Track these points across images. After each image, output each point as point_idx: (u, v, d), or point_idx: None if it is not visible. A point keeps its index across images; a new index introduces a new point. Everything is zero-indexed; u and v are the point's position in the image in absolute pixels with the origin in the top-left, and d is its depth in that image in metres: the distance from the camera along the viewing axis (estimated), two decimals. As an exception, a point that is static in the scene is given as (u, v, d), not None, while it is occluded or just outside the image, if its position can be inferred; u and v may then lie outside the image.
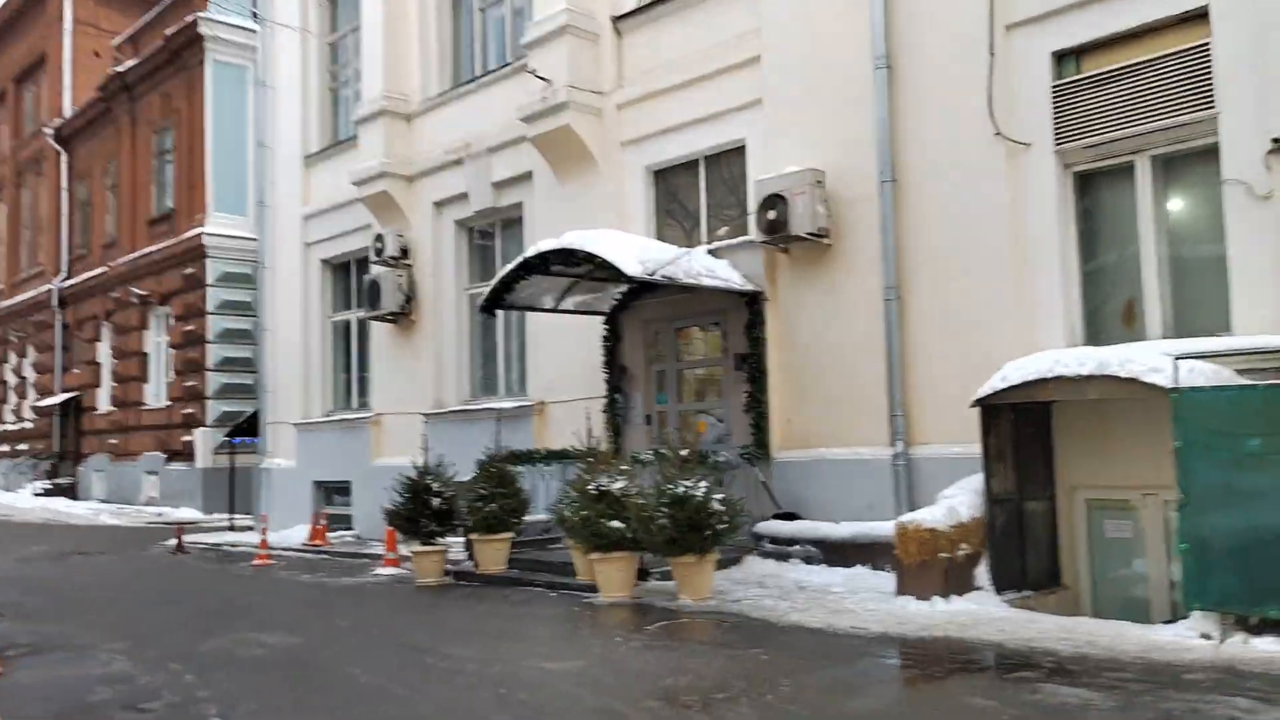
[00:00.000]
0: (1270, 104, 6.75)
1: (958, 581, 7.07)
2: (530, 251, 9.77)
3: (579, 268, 9.73)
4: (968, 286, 8.30)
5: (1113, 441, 7.36)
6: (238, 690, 5.38)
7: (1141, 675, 5.09)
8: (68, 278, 27.36)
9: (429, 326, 13.65)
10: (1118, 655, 5.50)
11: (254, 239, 18.36)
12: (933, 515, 7.18)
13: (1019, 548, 7.37)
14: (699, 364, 11.01)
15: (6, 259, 31.68)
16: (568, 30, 11.24)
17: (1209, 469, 5.85)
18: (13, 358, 30.58)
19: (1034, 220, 8.01)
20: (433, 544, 9.83)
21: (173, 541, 14.26)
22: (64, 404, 26.93)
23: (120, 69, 24.19)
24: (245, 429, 17.63)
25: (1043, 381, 6.74)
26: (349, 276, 15.72)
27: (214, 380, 21.21)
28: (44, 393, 28.31)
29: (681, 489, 7.61)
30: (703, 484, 7.68)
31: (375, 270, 13.97)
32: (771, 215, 9.18)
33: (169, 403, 22.44)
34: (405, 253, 13.84)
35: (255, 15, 17.31)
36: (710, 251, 9.92)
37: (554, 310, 10.93)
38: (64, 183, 27.91)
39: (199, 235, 21.26)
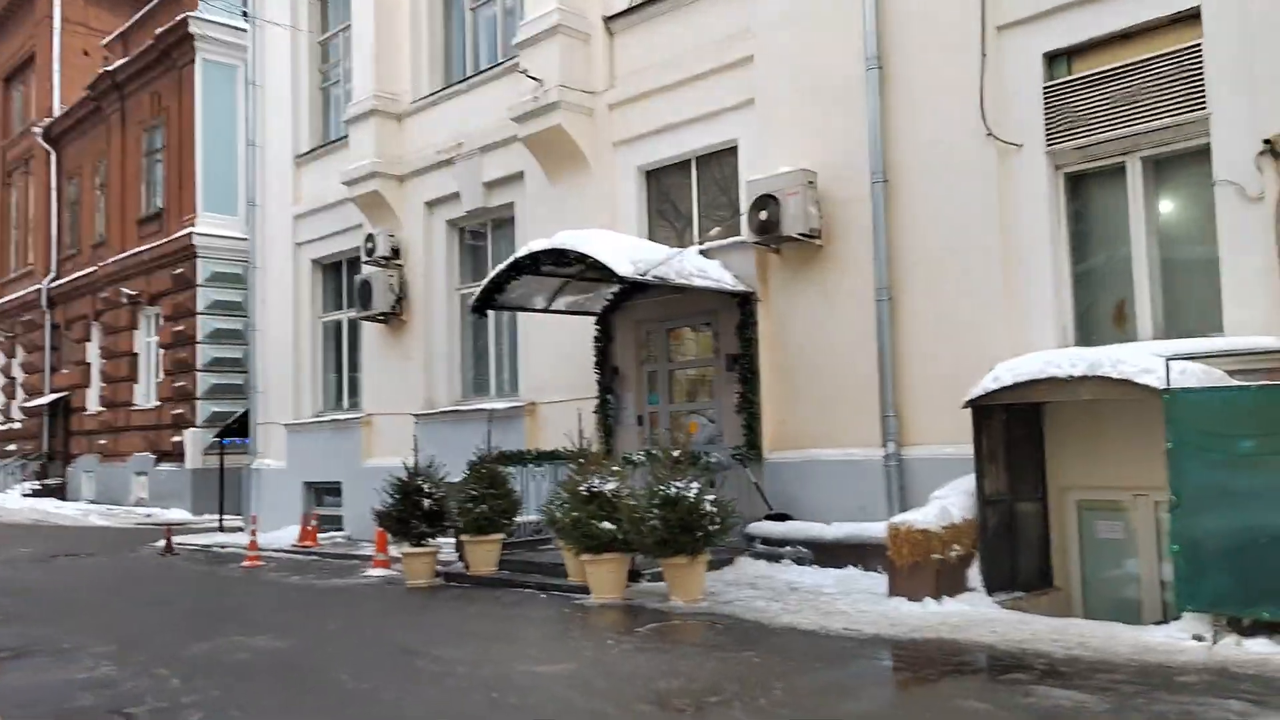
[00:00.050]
0: (1262, 105, 6.76)
1: (950, 583, 7.05)
2: (521, 251, 9.73)
3: (570, 268, 9.69)
4: (959, 287, 8.29)
5: (1104, 442, 7.36)
6: (224, 695, 5.33)
7: (1134, 677, 5.07)
8: (57, 277, 27.20)
9: (420, 327, 13.60)
10: (1110, 657, 5.49)
11: (244, 239, 18.28)
12: (925, 516, 7.17)
13: (1011, 549, 7.36)
14: (691, 364, 10.98)
15: (-5, 258, 31.51)
16: (559, 30, 11.20)
17: (1201, 470, 5.84)
18: (1, 358, 30.38)
19: (1025, 221, 8.01)
20: (423, 545, 9.78)
21: (162, 543, 14.19)
22: (53, 404, 26.78)
23: (110, 68, 24.06)
24: (235, 429, 17.56)
25: (1035, 382, 6.73)
26: (340, 276, 15.66)
27: (204, 380, 21.11)
28: (33, 393, 28.14)
29: (673, 490, 7.58)
30: (694, 485, 7.66)
31: (366, 270, 13.91)
32: (763, 216, 9.16)
33: (159, 403, 22.33)
34: (396, 253, 13.79)
35: (245, 14, 17.22)
36: (702, 252, 9.90)
37: (545, 310, 10.90)
38: (53, 182, 27.74)
39: (189, 235, 21.15)
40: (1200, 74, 7.12)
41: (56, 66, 27.79)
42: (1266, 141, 6.69)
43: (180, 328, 21.49)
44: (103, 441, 24.40)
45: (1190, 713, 4.44)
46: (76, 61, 27.63)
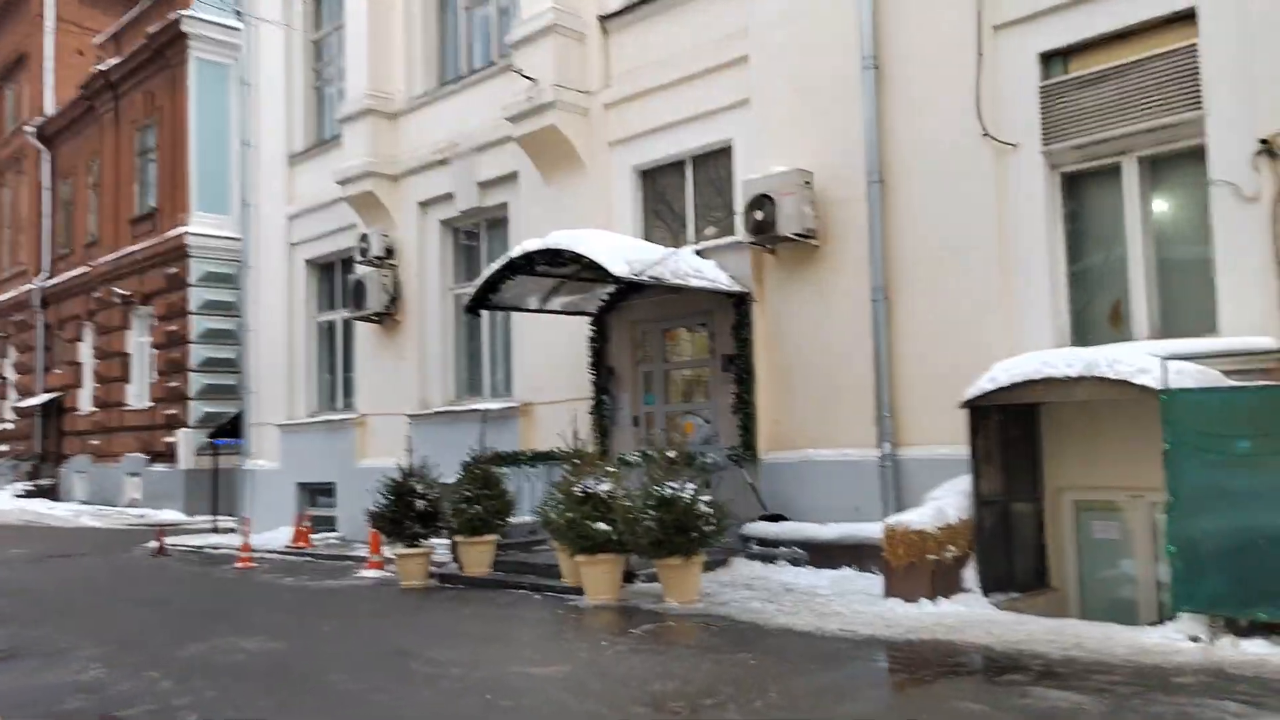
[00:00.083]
0: (1258, 105, 6.75)
1: (945, 583, 7.03)
2: (516, 251, 9.69)
3: (565, 268, 9.66)
4: (955, 287, 8.27)
5: (1100, 443, 7.35)
6: (216, 697, 5.29)
7: (1130, 678, 5.06)
8: (50, 277, 27.10)
9: (414, 327, 13.55)
10: (1106, 658, 5.48)
11: (237, 238, 18.20)
12: (920, 517, 7.15)
13: (1007, 549, 7.35)
14: (686, 365, 10.95)
15: (-13, 258, 31.38)
16: (554, 29, 11.17)
17: (1198, 471, 5.83)
18: (-7, 358, 30.30)
19: (1021, 221, 7.99)
20: (417, 546, 9.74)
21: (154, 544, 14.11)
22: (45, 405, 26.68)
23: (103, 67, 23.98)
24: (228, 430, 17.49)
25: (1031, 383, 6.72)
26: (333, 276, 15.60)
27: (197, 381, 21.04)
28: (25, 393, 28.03)
29: (668, 490, 7.55)
30: (689, 486, 7.63)
31: (360, 270, 13.86)
32: (759, 216, 9.13)
33: (151, 404, 22.25)
34: (390, 253, 13.74)
35: (239, 13, 17.14)
36: (697, 252, 9.87)
37: (540, 311, 10.86)
38: (46, 181, 27.65)
39: (182, 235, 21.09)
40: (1196, 74, 7.11)
41: (50, 66, 27.70)
42: (1263, 141, 6.68)
43: (173, 328, 21.41)
44: (95, 442, 24.30)
45: (1187, 714, 4.42)
46: (70, 61, 27.55)
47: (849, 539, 8.34)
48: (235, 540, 13.71)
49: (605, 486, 8.08)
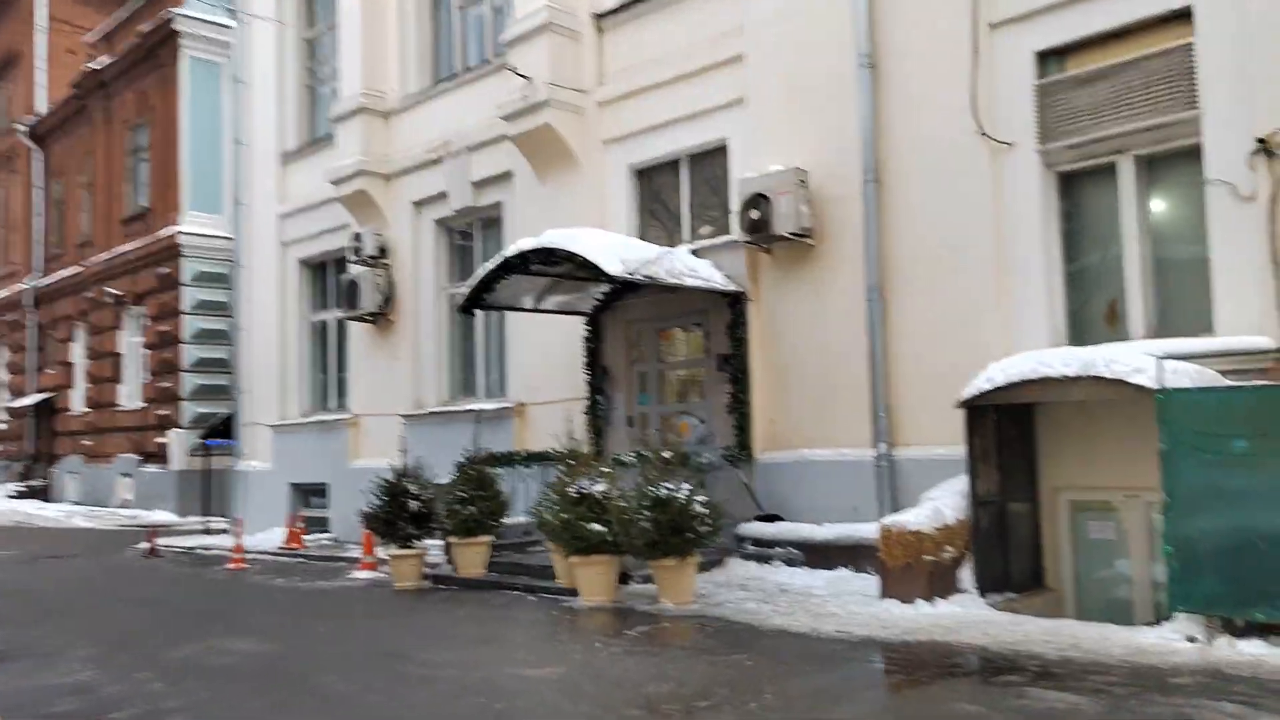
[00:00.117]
0: (1254, 104, 6.73)
1: (942, 584, 7.01)
2: (510, 250, 9.65)
3: (559, 267, 9.62)
4: (951, 287, 8.25)
5: (1095, 443, 7.33)
6: (207, 699, 5.24)
7: (1127, 679, 5.04)
8: (42, 277, 26.97)
9: (408, 327, 13.49)
10: (1103, 658, 5.46)
11: (230, 238, 18.12)
12: (917, 517, 7.12)
13: (1003, 549, 7.32)
14: (681, 365, 10.91)
15: (-21, 258, 31.22)
16: (548, 27, 11.12)
17: (1194, 470, 5.81)
18: (-15, 358, 30.14)
19: (1017, 220, 7.98)
20: (411, 547, 9.69)
21: (146, 545, 14.04)
22: (37, 405, 26.55)
23: (95, 66, 23.85)
24: (220, 431, 17.41)
25: (1028, 382, 6.69)
26: (326, 276, 15.54)
27: (189, 381, 20.92)
28: (17, 393, 27.89)
29: (663, 491, 7.52)
30: (685, 486, 7.59)
31: (353, 270, 13.80)
32: (754, 215, 9.10)
33: (143, 404, 22.14)
34: (384, 252, 13.68)
35: (231, 11, 17.06)
36: (693, 251, 9.83)
37: (534, 310, 10.82)
38: (38, 181, 27.50)
39: (174, 234, 20.98)
40: (1192, 72, 7.10)
41: (41, 65, 27.57)
42: (1260, 140, 6.66)
43: (165, 328, 21.31)
44: (87, 443, 24.19)
45: (1184, 715, 4.40)
46: (61, 60, 27.41)
47: (845, 539, 8.31)
48: (227, 541, 13.64)
49: (600, 487, 8.04)
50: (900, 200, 8.60)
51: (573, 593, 8.09)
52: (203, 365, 20.97)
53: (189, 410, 20.78)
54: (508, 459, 10.31)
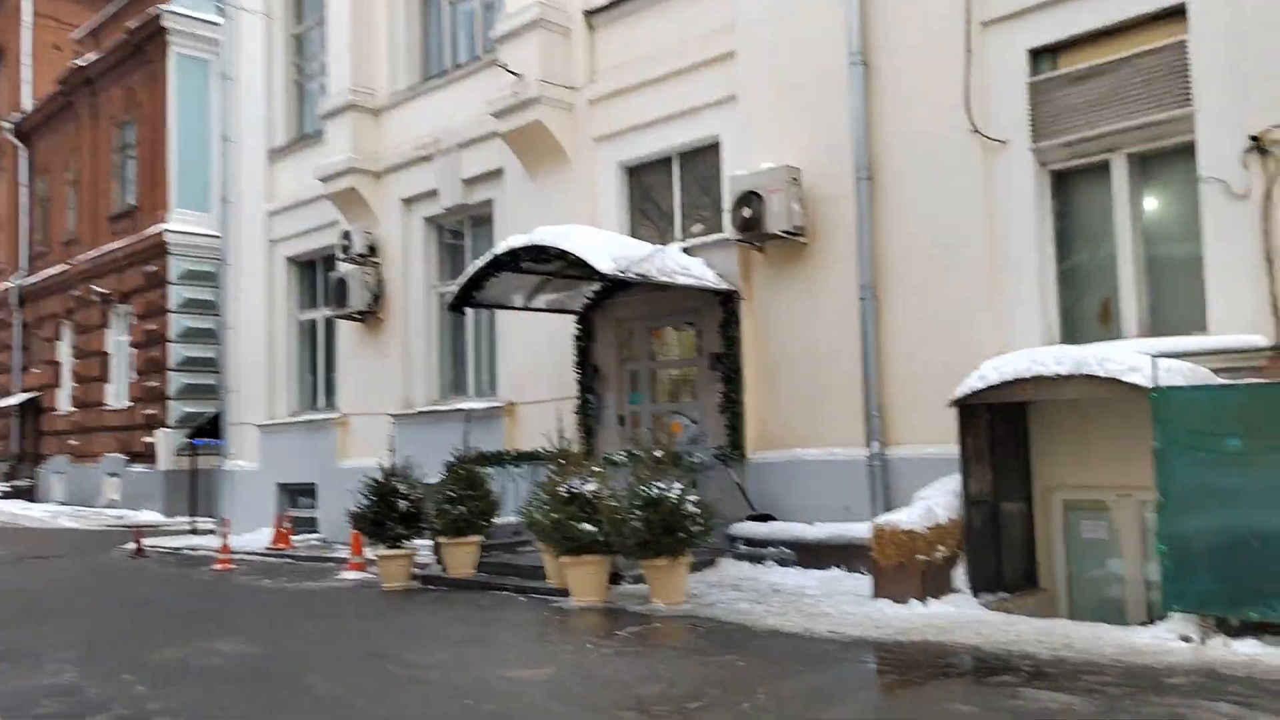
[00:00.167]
0: (1248, 101, 6.71)
1: (935, 584, 6.97)
2: (500, 248, 9.57)
3: (550, 265, 9.55)
4: (944, 285, 8.22)
5: (1088, 442, 7.31)
6: (191, 702, 5.16)
7: (1121, 679, 5.01)
8: (27, 275, 26.77)
9: (397, 325, 13.40)
10: (1096, 658, 5.43)
11: (217, 236, 17.99)
12: (909, 517, 7.08)
13: (996, 549, 7.30)
14: (673, 364, 10.86)
15: (-37, 256, 30.95)
16: (539, 24, 11.06)
17: (1188, 469, 5.78)
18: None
19: (1010, 218, 7.95)
20: (399, 547, 9.60)
21: (132, 545, 13.92)
22: (23, 404, 26.34)
23: (81, 62, 23.69)
24: (208, 430, 17.28)
25: (1021, 381, 6.66)
26: (315, 274, 15.43)
27: (176, 380, 20.79)
28: (3, 393, 27.67)
29: (655, 490, 7.46)
30: (676, 485, 7.54)
31: (342, 268, 13.70)
32: (746, 213, 9.05)
33: (130, 403, 21.99)
34: (373, 250, 13.59)
35: (219, 6, 16.93)
36: (685, 249, 9.78)
37: (524, 308, 10.75)
38: (23, 178, 27.30)
39: (161, 232, 20.84)
40: (1186, 70, 7.08)
41: (27, 61, 27.37)
42: (1253, 138, 6.65)
43: (152, 326, 21.16)
44: (74, 442, 24.01)
45: (1180, 715, 4.37)
46: (47, 56, 27.21)
47: (837, 539, 8.27)
48: (214, 542, 13.54)
49: (591, 486, 7.98)
50: (893, 198, 8.56)
51: (563, 593, 8.02)
52: (190, 364, 20.84)
53: (176, 409, 20.64)
54: (498, 458, 10.24)
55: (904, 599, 6.89)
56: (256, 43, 15.91)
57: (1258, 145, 6.64)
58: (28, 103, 27.09)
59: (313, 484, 14.62)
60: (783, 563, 8.59)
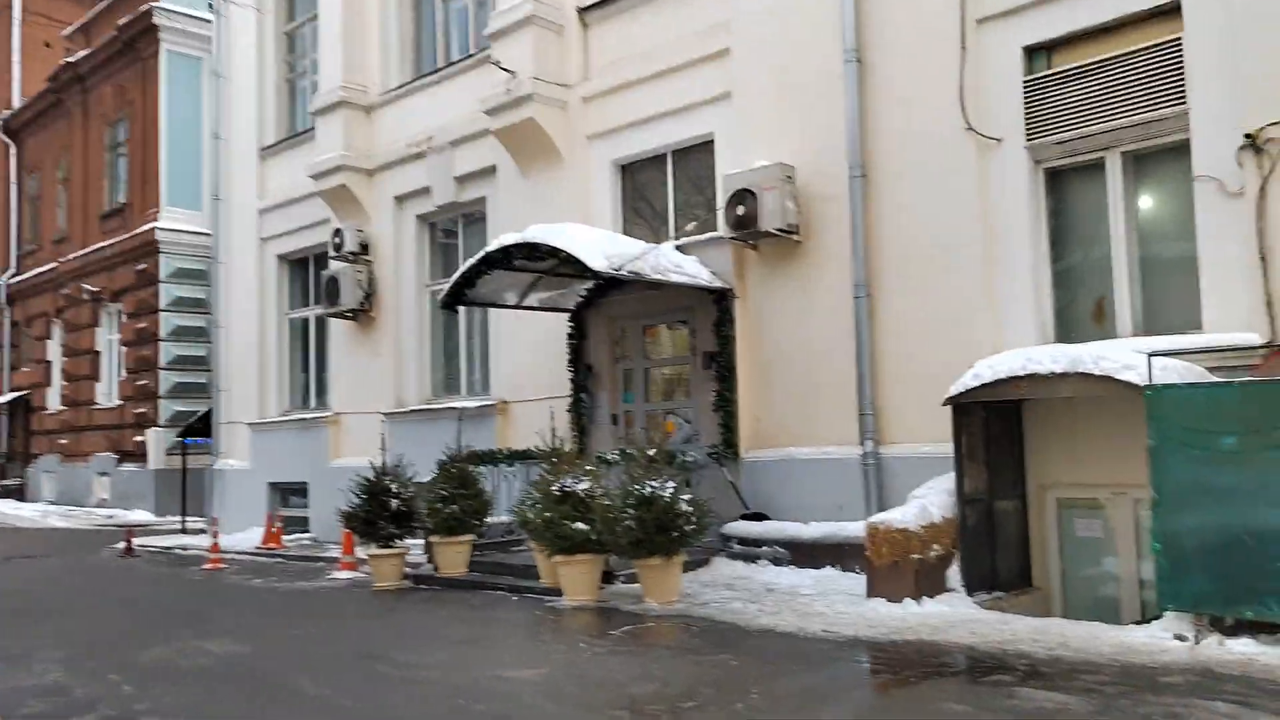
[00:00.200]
0: (1243, 99, 6.70)
1: (929, 583, 6.94)
2: (493, 245, 9.52)
3: (543, 262, 9.50)
4: (938, 284, 8.19)
5: (1083, 440, 7.30)
6: (178, 702, 5.11)
7: (1117, 678, 4.98)
8: (17, 273, 26.60)
9: (389, 324, 13.34)
10: (1092, 657, 5.41)
11: (208, 234, 17.90)
12: (904, 515, 7.05)
13: (990, 548, 7.27)
14: (666, 362, 10.82)
15: (-48, 254, 30.74)
16: (532, 21, 11.01)
17: (1183, 467, 5.76)
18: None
19: (1005, 217, 7.92)
20: (391, 547, 9.55)
21: (122, 545, 13.83)
22: (12, 403, 26.18)
23: (72, 59, 23.56)
24: (198, 429, 17.18)
25: (1016, 379, 6.63)
26: (307, 272, 15.35)
27: (167, 379, 20.68)
28: (-9, 392, 27.51)
29: (648, 489, 7.42)
30: (670, 484, 7.50)
31: (334, 266, 13.63)
32: (740, 211, 9.02)
33: (121, 402, 21.86)
34: (365, 248, 13.52)
35: (211, 4, 16.83)
36: (678, 247, 9.74)
37: (517, 307, 10.70)
38: (13, 176, 27.13)
39: (152, 230, 20.72)
40: (1181, 68, 7.06)
41: (17, 58, 27.20)
42: (1248, 136, 6.63)
43: (143, 325, 21.04)
44: (64, 441, 23.87)
45: (1177, 715, 4.34)
46: (38, 53, 27.06)
47: (831, 538, 8.25)
48: (205, 541, 13.45)
49: (584, 485, 7.94)
50: (887, 196, 8.53)
51: (556, 592, 7.98)
52: (181, 363, 20.73)
53: (167, 408, 20.53)
54: (490, 457, 10.19)
55: (898, 598, 6.86)
56: (248, 39, 15.83)
57: (1252, 143, 6.62)
58: (17, 100, 26.92)
59: (304, 483, 14.54)
60: (777, 562, 8.57)
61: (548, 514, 7.85)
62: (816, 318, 8.95)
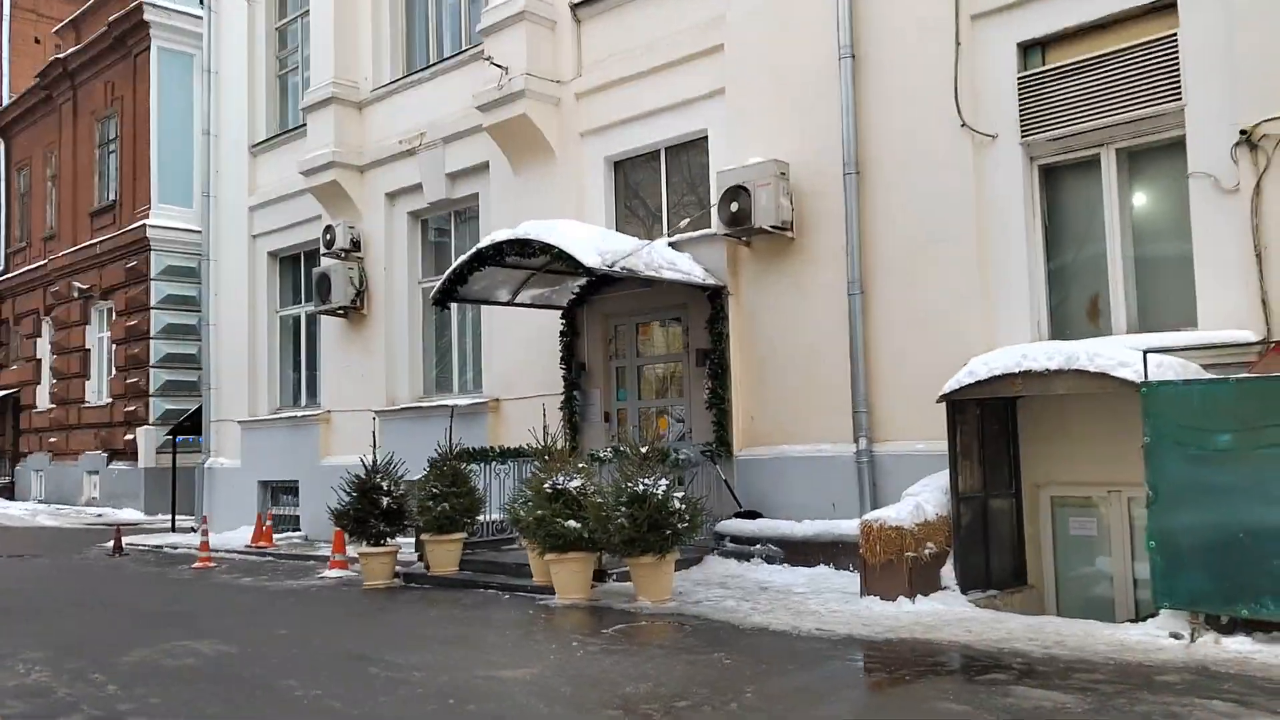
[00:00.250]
0: (1238, 96, 6.67)
1: (923, 581, 6.91)
2: (485, 241, 9.45)
3: (535, 259, 9.43)
4: (932, 281, 8.16)
5: (1077, 438, 7.27)
6: (163, 703, 5.03)
7: (1113, 677, 4.95)
8: (6, 271, 26.44)
9: (381, 321, 13.26)
10: (1088, 656, 5.38)
11: (199, 231, 17.78)
12: (898, 513, 7.02)
13: (984, 546, 7.24)
14: (659, 360, 10.77)
15: (-59, 251, 30.54)
16: (525, 17, 10.95)
17: (1178, 465, 5.73)
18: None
19: (999, 213, 7.89)
20: (382, 545, 9.48)
21: (111, 543, 13.73)
22: (1, 401, 26.00)
23: (61, 55, 23.42)
24: (189, 427, 17.08)
25: (1010, 376, 6.60)
26: (298, 269, 15.26)
27: (157, 377, 20.56)
28: (-20, 390, 27.33)
29: (641, 487, 7.37)
30: (662, 482, 7.45)
31: (325, 263, 13.55)
32: (734, 208, 8.97)
33: (111, 400, 21.73)
34: (356, 245, 13.44)
35: (201, 1, 16.72)
36: (671, 244, 9.69)
37: (509, 304, 10.64)
38: (1, 172, 26.94)
39: (143, 227, 20.61)
40: (1176, 64, 7.03)
41: (5, 54, 27.01)
42: (1243, 132, 6.61)
43: (133, 322, 20.92)
44: (53, 439, 23.72)
45: (1175, 714, 4.31)
46: (27, 49, 26.93)
47: (825, 536, 8.22)
48: (195, 540, 13.36)
49: (576, 483, 7.88)
50: (881, 193, 8.50)
51: (548, 591, 7.93)
52: (172, 361, 20.62)
53: (157, 406, 20.42)
54: (482, 455, 10.13)
55: (892, 596, 6.82)
56: (239, 35, 15.74)
57: (1247, 139, 6.60)
58: (6, 96, 26.75)
59: (295, 481, 14.46)
60: (770, 560, 8.53)
61: (540, 512, 7.80)
62: (810, 315, 8.91)
